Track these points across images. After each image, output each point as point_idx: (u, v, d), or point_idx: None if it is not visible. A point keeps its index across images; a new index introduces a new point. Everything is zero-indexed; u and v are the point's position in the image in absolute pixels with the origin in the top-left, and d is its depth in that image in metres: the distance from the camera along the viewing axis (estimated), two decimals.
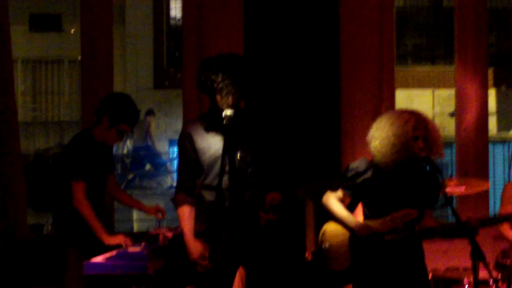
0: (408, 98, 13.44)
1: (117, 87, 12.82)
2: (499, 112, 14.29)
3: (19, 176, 5.19)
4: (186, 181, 3.86)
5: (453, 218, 3.47)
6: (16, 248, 5.05)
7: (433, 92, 14.65)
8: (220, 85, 3.60)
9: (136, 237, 4.54)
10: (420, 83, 14.57)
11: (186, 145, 3.82)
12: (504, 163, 13.83)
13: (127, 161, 13.80)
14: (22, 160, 5.31)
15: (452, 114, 13.31)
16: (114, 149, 5.23)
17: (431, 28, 15.25)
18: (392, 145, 3.71)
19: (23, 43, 14.21)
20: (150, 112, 14.00)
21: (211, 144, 3.78)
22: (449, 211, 4.28)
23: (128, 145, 13.64)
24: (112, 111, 4.44)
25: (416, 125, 3.73)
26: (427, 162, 3.71)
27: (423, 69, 14.84)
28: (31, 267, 5.00)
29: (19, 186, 5.19)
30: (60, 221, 4.49)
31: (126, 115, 4.46)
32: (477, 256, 3.22)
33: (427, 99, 14.43)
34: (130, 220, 11.59)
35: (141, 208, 4.81)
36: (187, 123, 4.05)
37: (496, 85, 14.46)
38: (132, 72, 14.93)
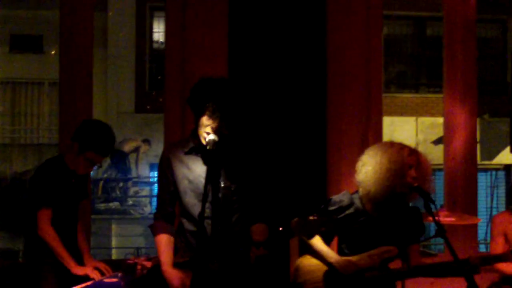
0: (391, 126, 13.40)
1: (98, 110, 12.76)
2: (482, 141, 14.29)
3: None
4: (165, 208, 3.67)
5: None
6: None
7: (416, 120, 14.64)
8: (213, 107, 3.45)
9: (112, 266, 4.38)
10: (403, 111, 14.57)
11: (165, 169, 3.65)
12: (486, 191, 13.84)
13: (108, 185, 13.59)
14: None
15: (435, 142, 13.29)
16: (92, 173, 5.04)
17: (415, 56, 15.28)
18: (386, 170, 3.58)
19: (3, 64, 14.07)
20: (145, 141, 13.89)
21: (191, 169, 3.61)
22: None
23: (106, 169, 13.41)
24: (81, 138, 4.26)
25: (410, 153, 3.63)
26: (419, 192, 3.58)
27: (406, 97, 14.85)
28: None
29: None
30: (31, 249, 4.29)
31: (95, 143, 4.25)
32: None
33: (410, 127, 14.41)
34: (109, 247, 11.39)
35: (83, 256, 4.40)
36: (166, 146, 3.89)
37: (479, 114, 14.49)
38: (114, 96, 14.78)
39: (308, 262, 3.76)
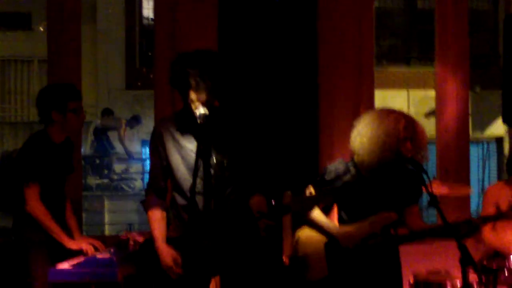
0: (383, 99, 13.34)
1: (88, 87, 12.66)
2: (473, 113, 14.31)
3: None
4: (158, 182, 3.65)
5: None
6: None
7: (408, 92, 14.63)
8: (196, 80, 3.41)
9: (105, 241, 4.38)
10: (395, 84, 14.54)
11: (157, 144, 3.62)
12: (478, 163, 13.88)
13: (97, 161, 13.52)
14: None
15: (427, 115, 13.28)
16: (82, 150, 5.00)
17: (406, 29, 15.23)
18: (382, 143, 3.57)
19: None
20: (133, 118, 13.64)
21: (183, 144, 3.58)
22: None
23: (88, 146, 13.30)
24: (52, 102, 4.21)
25: (406, 125, 3.60)
26: (412, 163, 3.57)
27: (398, 70, 14.81)
28: None
29: None
30: (20, 226, 4.28)
31: (65, 95, 4.22)
32: (467, 261, 3.08)
33: (402, 100, 14.39)
34: (102, 223, 11.37)
35: (73, 233, 4.40)
36: (158, 121, 3.86)
37: (470, 86, 14.46)
38: (104, 73, 14.68)
39: (308, 234, 3.72)
